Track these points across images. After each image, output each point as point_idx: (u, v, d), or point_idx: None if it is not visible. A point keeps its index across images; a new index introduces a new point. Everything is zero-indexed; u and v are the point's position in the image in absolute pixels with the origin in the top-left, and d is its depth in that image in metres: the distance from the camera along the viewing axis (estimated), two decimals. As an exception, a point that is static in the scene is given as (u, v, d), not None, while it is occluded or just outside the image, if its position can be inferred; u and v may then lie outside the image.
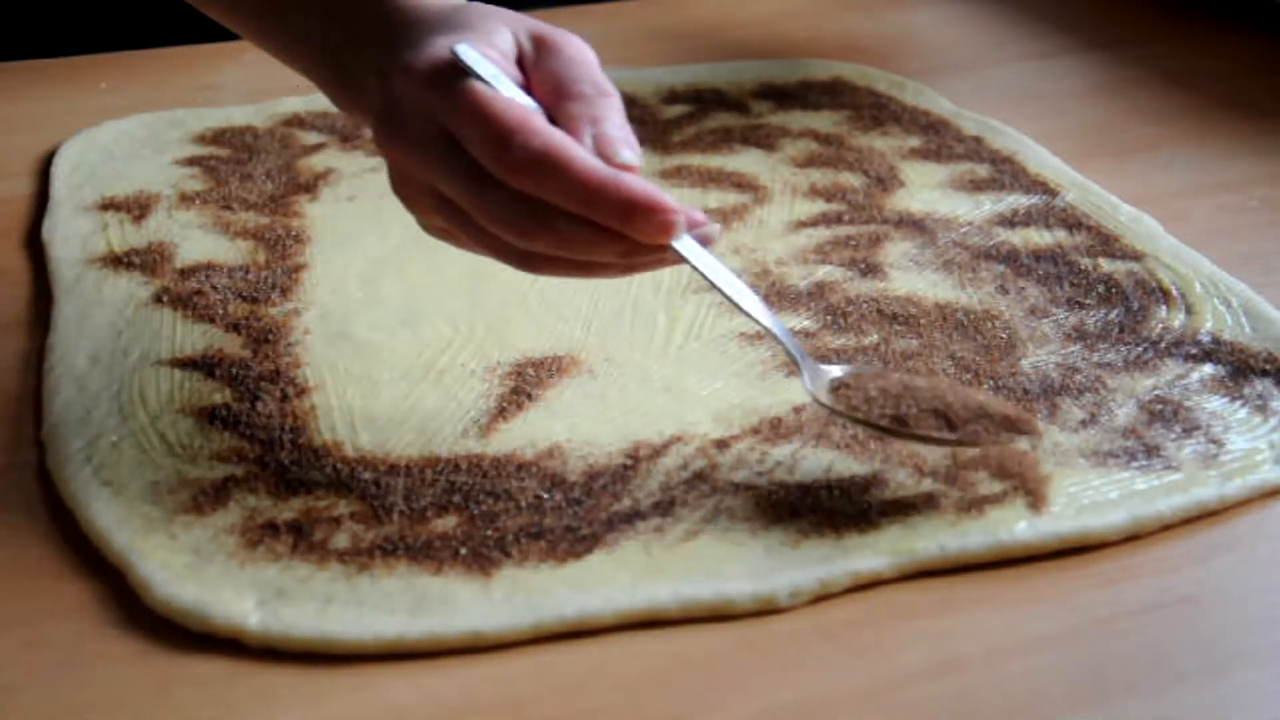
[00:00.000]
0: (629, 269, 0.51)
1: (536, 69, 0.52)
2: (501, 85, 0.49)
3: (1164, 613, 0.49)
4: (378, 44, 0.54)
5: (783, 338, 0.53)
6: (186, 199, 0.75)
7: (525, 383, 0.59)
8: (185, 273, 0.67)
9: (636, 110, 0.87)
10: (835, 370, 0.54)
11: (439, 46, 0.50)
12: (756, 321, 0.52)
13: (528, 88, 0.51)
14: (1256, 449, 0.56)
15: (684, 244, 0.49)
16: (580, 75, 0.51)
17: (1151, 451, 0.55)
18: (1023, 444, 0.54)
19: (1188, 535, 0.52)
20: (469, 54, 0.50)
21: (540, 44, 0.52)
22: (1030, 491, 0.52)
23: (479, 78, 0.49)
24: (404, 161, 0.51)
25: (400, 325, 0.64)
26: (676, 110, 0.87)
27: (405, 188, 0.52)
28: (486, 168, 0.48)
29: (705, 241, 0.50)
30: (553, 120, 0.50)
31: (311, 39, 0.58)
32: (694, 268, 0.50)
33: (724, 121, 0.86)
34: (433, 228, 0.54)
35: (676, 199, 0.48)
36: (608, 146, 0.48)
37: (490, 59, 0.50)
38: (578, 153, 0.47)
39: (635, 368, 0.61)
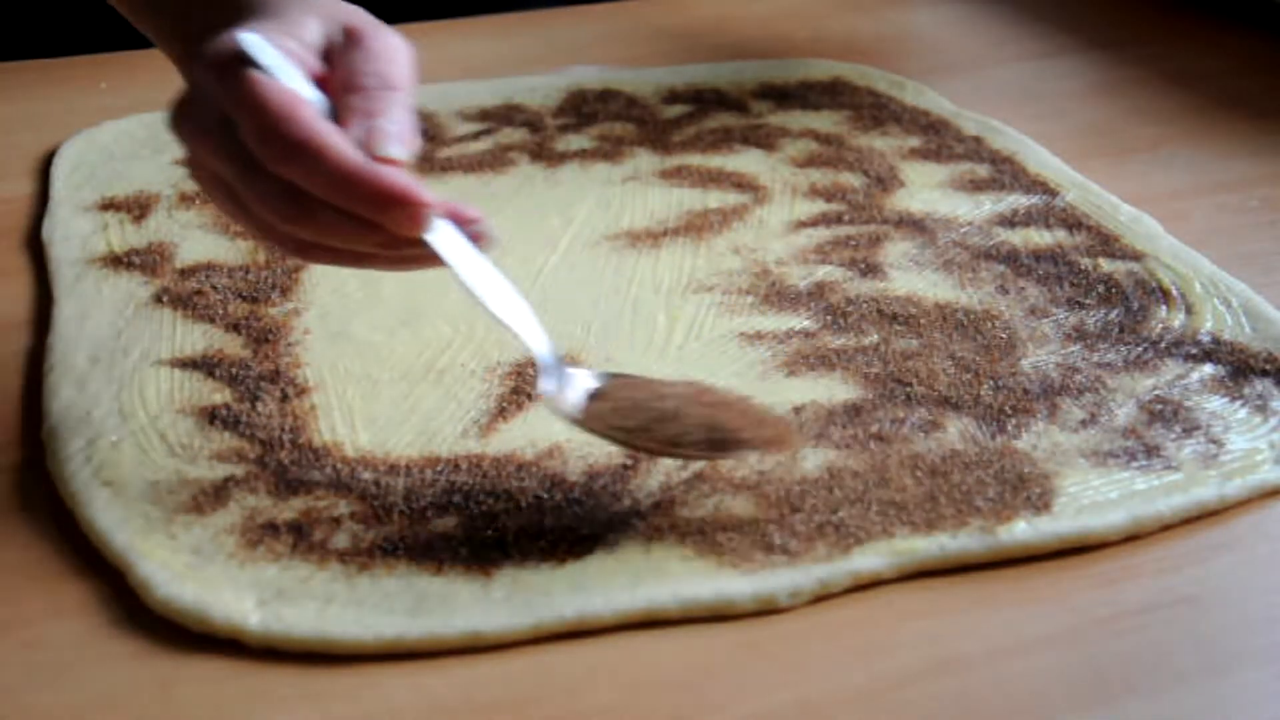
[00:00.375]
0: (398, 262, 0.52)
1: (339, 61, 0.52)
2: (284, 75, 0.49)
3: (1164, 613, 0.49)
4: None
5: (532, 345, 0.52)
6: (186, 199, 0.75)
7: (525, 383, 0.59)
8: (185, 273, 0.67)
9: (637, 110, 0.87)
10: (595, 380, 0.54)
11: (232, 35, 0.51)
12: (505, 326, 0.51)
13: (326, 80, 0.52)
14: (1256, 449, 0.56)
15: (442, 239, 0.49)
16: (371, 69, 0.51)
17: (1151, 451, 0.55)
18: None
19: (1188, 535, 0.52)
20: (254, 43, 0.50)
21: (349, 37, 0.53)
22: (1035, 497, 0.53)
23: (263, 67, 0.49)
24: (192, 145, 0.52)
25: (400, 325, 0.64)
26: (676, 110, 0.87)
27: (196, 171, 0.53)
28: (255, 155, 0.49)
29: (478, 239, 0.50)
30: (336, 113, 0.50)
31: (178, 30, 0.59)
32: (446, 264, 0.49)
33: (724, 121, 0.86)
34: (224, 213, 0.54)
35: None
36: (374, 139, 0.49)
37: (285, 49, 0.51)
38: (336, 143, 0.48)
39: (635, 368, 0.61)
